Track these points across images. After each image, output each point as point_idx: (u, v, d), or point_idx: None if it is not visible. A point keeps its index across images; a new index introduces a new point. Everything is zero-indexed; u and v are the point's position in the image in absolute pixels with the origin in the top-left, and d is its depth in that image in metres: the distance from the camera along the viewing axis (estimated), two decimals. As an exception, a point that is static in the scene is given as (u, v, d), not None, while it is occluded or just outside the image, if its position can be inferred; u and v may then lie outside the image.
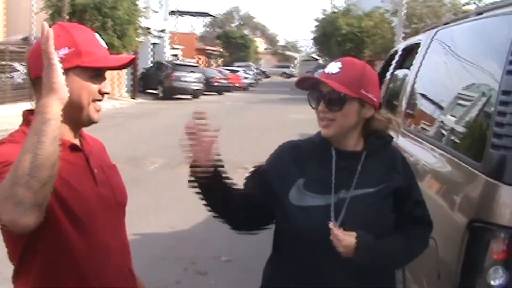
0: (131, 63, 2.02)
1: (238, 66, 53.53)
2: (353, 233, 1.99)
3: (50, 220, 1.70)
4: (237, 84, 43.48)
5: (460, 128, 2.87)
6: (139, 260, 5.82)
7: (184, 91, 30.87)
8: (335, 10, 39.10)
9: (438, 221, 2.27)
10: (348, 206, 2.05)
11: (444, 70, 3.50)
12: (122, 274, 2.04)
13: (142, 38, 30.26)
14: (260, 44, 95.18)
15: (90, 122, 1.95)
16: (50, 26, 1.75)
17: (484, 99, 2.54)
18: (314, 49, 41.70)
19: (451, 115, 3.06)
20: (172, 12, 48.20)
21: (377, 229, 2.05)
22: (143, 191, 9.23)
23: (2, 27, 23.10)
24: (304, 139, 2.27)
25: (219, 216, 2.20)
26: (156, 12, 38.66)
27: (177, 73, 30.60)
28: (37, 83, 1.86)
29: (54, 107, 1.59)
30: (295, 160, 2.17)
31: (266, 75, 74.20)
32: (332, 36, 35.79)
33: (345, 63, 2.11)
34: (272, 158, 2.25)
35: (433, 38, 3.92)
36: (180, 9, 55.15)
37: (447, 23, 3.90)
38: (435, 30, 4.04)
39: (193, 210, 7.89)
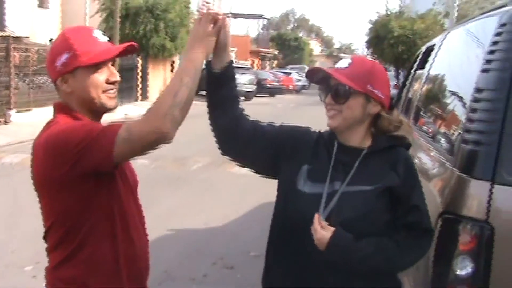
0: (129, 49, 2.19)
1: (292, 69, 53.59)
2: (331, 228, 2.00)
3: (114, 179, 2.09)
4: (290, 87, 43.61)
5: (441, 125, 2.94)
6: (172, 253, 6.11)
7: (235, 93, 30.95)
8: (388, 12, 38.69)
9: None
10: (338, 200, 2.06)
11: (439, 71, 3.57)
12: (143, 233, 2.29)
13: (194, 40, 30.61)
14: (315, 47, 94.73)
15: (107, 109, 2.16)
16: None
17: (464, 96, 2.61)
18: (368, 52, 41.11)
19: (438, 112, 3.13)
20: (226, 15, 48.48)
21: (364, 227, 2.04)
22: (183, 189, 9.49)
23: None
24: (322, 132, 2.31)
25: (215, 115, 2.32)
26: (210, 14, 38.97)
27: (229, 75, 30.70)
28: (57, 85, 2.12)
29: (203, 59, 2.03)
30: (314, 147, 2.23)
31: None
32: (384, 39, 35.44)
33: (355, 59, 2.19)
34: (301, 133, 2.31)
35: (444, 39, 3.98)
36: (234, 12, 55.56)
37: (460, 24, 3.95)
38: (449, 31, 4.10)
39: (227, 207, 8.16)
